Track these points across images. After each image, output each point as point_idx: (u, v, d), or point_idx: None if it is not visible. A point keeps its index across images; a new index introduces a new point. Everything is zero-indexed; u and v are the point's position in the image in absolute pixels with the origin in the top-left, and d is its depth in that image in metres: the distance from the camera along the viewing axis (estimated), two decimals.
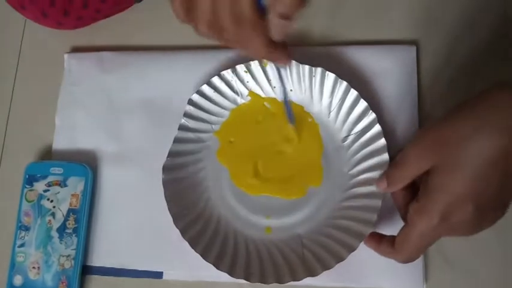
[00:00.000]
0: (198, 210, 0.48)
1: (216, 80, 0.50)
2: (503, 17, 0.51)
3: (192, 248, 0.45)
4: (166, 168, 0.48)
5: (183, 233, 0.46)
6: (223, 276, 0.45)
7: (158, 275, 0.48)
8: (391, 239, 0.40)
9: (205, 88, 0.50)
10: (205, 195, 0.49)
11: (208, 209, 0.48)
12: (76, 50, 0.57)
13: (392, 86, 0.50)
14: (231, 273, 0.44)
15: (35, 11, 0.52)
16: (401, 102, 0.49)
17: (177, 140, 0.49)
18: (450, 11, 0.52)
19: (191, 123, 0.50)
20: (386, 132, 0.47)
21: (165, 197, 0.47)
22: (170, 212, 0.46)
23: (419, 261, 0.45)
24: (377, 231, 0.43)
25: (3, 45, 0.58)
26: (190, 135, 0.50)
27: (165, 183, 0.48)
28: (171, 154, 0.49)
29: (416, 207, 0.37)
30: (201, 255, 0.45)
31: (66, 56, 0.56)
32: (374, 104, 0.49)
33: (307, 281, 0.44)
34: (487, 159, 0.33)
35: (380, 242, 0.41)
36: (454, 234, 0.37)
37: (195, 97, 0.50)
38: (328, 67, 0.49)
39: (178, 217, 0.47)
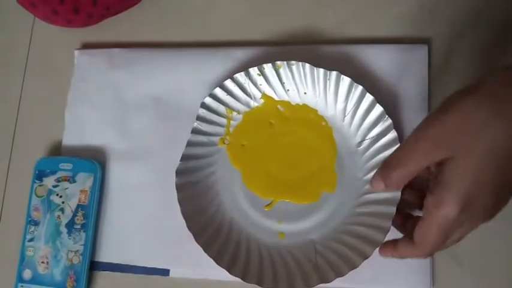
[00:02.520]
0: (211, 214, 0.48)
1: (228, 83, 0.50)
2: None
3: (206, 252, 0.45)
4: (179, 172, 0.48)
5: (197, 237, 0.46)
6: (229, 275, 0.45)
7: (165, 272, 0.49)
8: (407, 239, 0.40)
9: (218, 91, 0.50)
10: (217, 199, 0.49)
11: (221, 213, 0.48)
12: (86, 46, 0.57)
13: (403, 86, 0.49)
14: (244, 278, 0.44)
15: (46, 9, 0.52)
16: (411, 102, 0.49)
17: (189, 144, 0.49)
18: (462, 8, 0.51)
19: (204, 127, 0.50)
20: None
21: (178, 200, 0.47)
22: (183, 216, 0.46)
23: (426, 263, 0.45)
24: (389, 236, 0.43)
25: (13, 42, 0.59)
26: (203, 138, 0.50)
27: (178, 187, 0.47)
28: (184, 158, 0.49)
29: (432, 200, 0.36)
30: (214, 260, 0.45)
31: (76, 52, 0.56)
32: (385, 103, 0.49)
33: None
34: (506, 146, 0.33)
35: (395, 245, 0.41)
36: (474, 223, 0.36)
37: (208, 100, 0.50)
38: (336, 66, 0.48)
39: (191, 221, 0.46)
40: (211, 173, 0.50)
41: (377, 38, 0.52)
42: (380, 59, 0.50)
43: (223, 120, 0.51)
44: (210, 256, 0.45)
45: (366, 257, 0.43)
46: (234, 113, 0.51)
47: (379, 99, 0.47)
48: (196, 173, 0.49)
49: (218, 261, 0.45)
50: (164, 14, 0.56)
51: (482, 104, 0.34)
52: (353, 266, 0.43)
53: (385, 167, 0.38)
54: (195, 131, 0.50)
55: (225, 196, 0.49)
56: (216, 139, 0.50)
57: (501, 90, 0.34)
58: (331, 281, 0.43)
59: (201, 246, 0.45)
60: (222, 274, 0.45)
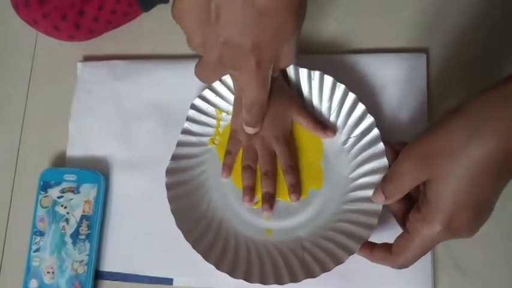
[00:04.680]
0: (201, 212, 0.49)
1: (217, 85, 0.51)
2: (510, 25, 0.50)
3: (194, 249, 0.46)
4: (169, 171, 0.49)
5: (186, 234, 0.47)
6: (233, 283, 0.45)
7: (168, 281, 0.49)
8: (385, 245, 0.41)
9: (207, 92, 0.51)
10: (207, 198, 0.50)
11: (210, 210, 0.49)
12: (88, 59, 0.57)
13: (403, 94, 0.50)
14: (232, 273, 0.45)
15: (47, 25, 0.53)
16: (411, 110, 0.49)
17: (180, 144, 0.50)
18: (460, 17, 0.51)
19: (194, 127, 0.51)
20: (395, 138, 0.47)
21: (168, 199, 0.48)
22: (173, 214, 0.47)
23: (428, 267, 0.45)
24: (375, 233, 0.44)
25: (17, 55, 0.60)
26: (193, 139, 0.51)
27: (168, 186, 0.48)
28: (174, 157, 0.50)
29: (418, 216, 0.38)
30: (203, 256, 0.46)
31: (79, 64, 0.57)
32: (384, 113, 0.49)
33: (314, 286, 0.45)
34: (481, 167, 0.34)
35: (373, 249, 0.42)
36: (454, 238, 0.38)
37: (197, 102, 0.51)
38: (338, 76, 0.49)
39: (181, 219, 0.47)
40: (201, 172, 0.51)
41: (377, 48, 0.52)
42: (379, 68, 0.51)
43: (213, 121, 0.52)
44: (199, 252, 0.46)
45: (351, 252, 0.43)
46: (224, 114, 0.51)
47: (378, 107, 0.48)
48: (186, 172, 0.50)
49: (207, 257, 0.46)
50: (163, 26, 0.56)
51: (463, 124, 0.35)
52: (339, 262, 0.43)
53: (383, 181, 0.40)
54: (185, 132, 0.51)
55: (215, 194, 0.50)
56: (206, 139, 0.51)
57: (483, 110, 0.34)
58: (317, 276, 0.43)
59: (190, 243, 0.46)
60: (225, 282, 0.46)
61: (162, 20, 0.56)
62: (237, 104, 0.48)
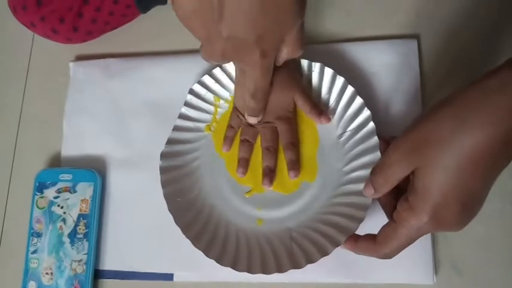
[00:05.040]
0: (193, 198, 0.49)
1: (217, 72, 0.51)
2: (497, 9, 0.51)
3: (184, 234, 0.46)
4: (164, 155, 0.49)
5: (177, 219, 0.47)
6: (234, 277, 0.46)
7: (169, 277, 0.49)
8: (370, 236, 0.41)
9: (207, 79, 0.52)
10: (199, 183, 0.50)
11: (202, 197, 0.49)
12: (81, 59, 0.57)
13: (396, 79, 0.50)
14: (219, 261, 0.45)
15: (45, 28, 0.53)
16: (405, 96, 0.50)
17: (176, 128, 0.51)
18: (448, 4, 0.52)
19: (191, 113, 0.51)
20: (390, 124, 0.48)
21: (161, 183, 0.48)
22: (165, 198, 0.48)
23: (429, 255, 0.45)
24: (362, 224, 0.44)
25: (14, 56, 0.60)
26: (190, 124, 0.51)
27: (162, 170, 0.49)
28: (170, 141, 0.50)
29: (406, 206, 0.37)
30: (192, 242, 0.46)
31: (71, 64, 0.57)
32: (378, 98, 0.50)
33: (318, 276, 0.46)
34: (470, 158, 0.33)
35: (357, 240, 0.42)
36: (442, 230, 0.38)
37: (196, 87, 0.52)
38: (332, 64, 0.49)
39: (172, 204, 0.48)
40: (195, 158, 0.51)
41: (370, 36, 0.53)
42: (372, 55, 0.51)
43: (211, 108, 0.52)
44: (188, 238, 0.46)
45: (337, 244, 0.43)
46: (222, 101, 0.52)
47: (371, 91, 0.48)
48: (180, 157, 0.50)
49: (196, 243, 0.46)
50: (159, 27, 0.57)
51: (451, 115, 0.34)
52: (325, 253, 0.43)
53: (372, 173, 0.40)
54: (182, 117, 0.51)
55: (208, 181, 0.50)
56: (203, 125, 0.52)
57: (470, 102, 0.34)
58: (302, 267, 0.43)
59: (180, 228, 0.46)
60: (226, 276, 0.46)
61: (160, 21, 0.57)
62: (238, 85, 0.49)
